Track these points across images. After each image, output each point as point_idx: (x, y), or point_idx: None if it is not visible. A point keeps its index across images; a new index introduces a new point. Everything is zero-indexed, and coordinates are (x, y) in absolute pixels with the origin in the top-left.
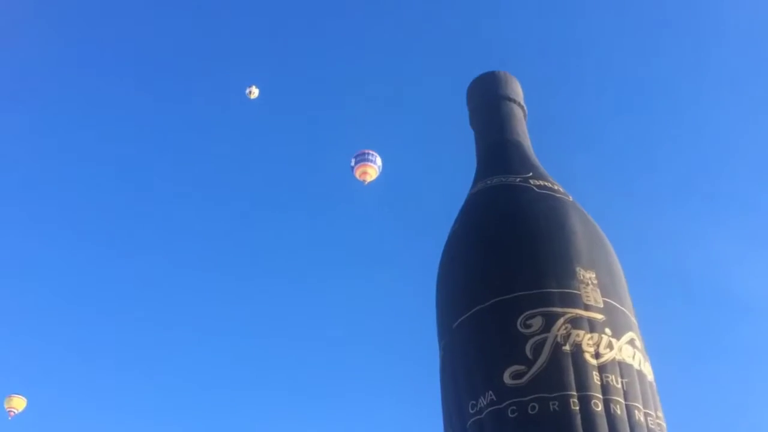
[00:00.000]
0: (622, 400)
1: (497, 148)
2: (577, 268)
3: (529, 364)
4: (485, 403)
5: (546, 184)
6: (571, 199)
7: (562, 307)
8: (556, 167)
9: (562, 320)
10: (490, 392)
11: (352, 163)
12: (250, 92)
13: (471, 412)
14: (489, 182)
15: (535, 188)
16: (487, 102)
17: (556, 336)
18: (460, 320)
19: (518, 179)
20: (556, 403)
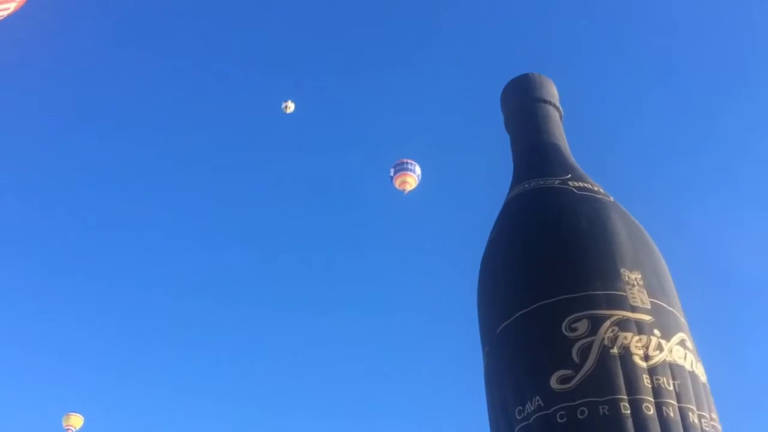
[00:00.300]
0: (674, 403)
1: (534, 151)
2: (622, 270)
3: (577, 368)
4: (532, 408)
5: (585, 185)
6: (612, 199)
7: (607, 309)
8: (595, 168)
9: (608, 323)
10: (537, 398)
11: (392, 173)
12: (286, 107)
13: (518, 418)
14: (527, 186)
15: (574, 190)
16: (522, 105)
17: (603, 339)
18: (503, 326)
19: (557, 181)
20: (606, 407)
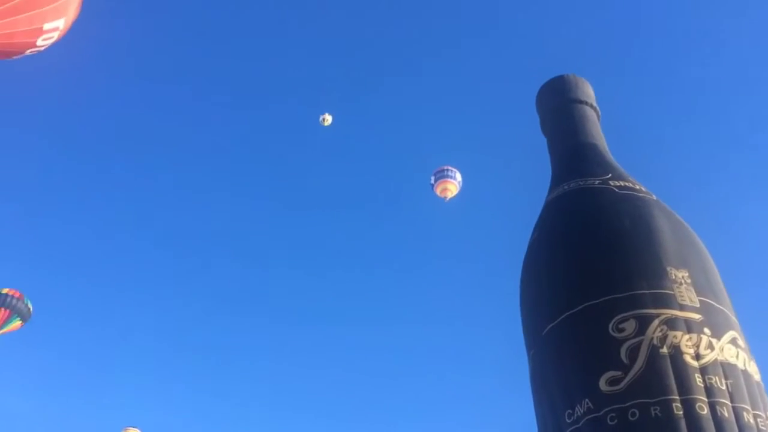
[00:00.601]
0: (728, 402)
1: (572, 152)
2: (668, 268)
3: (626, 369)
4: (582, 411)
5: (627, 184)
6: (654, 197)
7: (655, 308)
8: (634, 166)
9: (656, 322)
10: (587, 400)
11: (432, 181)
12: (323, 119)
13: (568, 421)
14: (566, 187)
15: (615, 189)
16: (558, 107)
17: (652, 338)
18: (548, 327)
19: (597, 181)
20: (658, 408)
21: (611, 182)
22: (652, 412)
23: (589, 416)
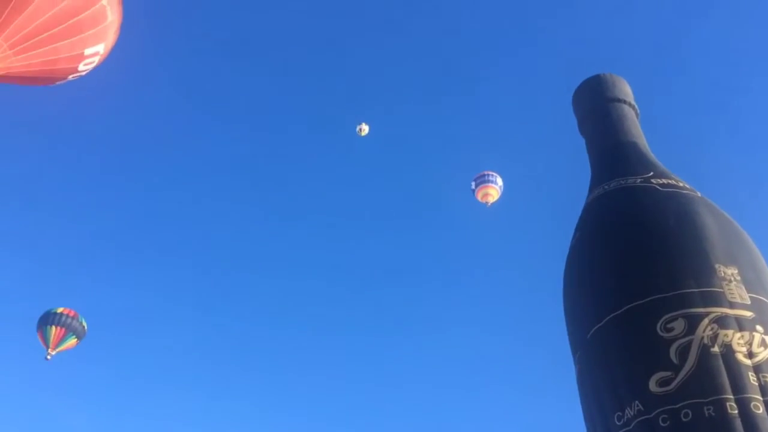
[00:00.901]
0: None
1: (612, 151)
2: (716, 265)
3: (676, 369)
4: (632, 414)
5: (670, 181)
6: (699, 194)
7: (704, 307)
8: (677, 165)
9: (706, 321)
10: (637, 402)
11: (473, 186)
12: (360, 130)
13: (618, 424)
14: (607, 187)
15: (658, 187)
16: (596, 107)
17: (702, 337)
18: (594, 330)
19: (639, 180)
20: (711, 408)
21: (653, 180)
22: (706, 413)
23: (640, 418)
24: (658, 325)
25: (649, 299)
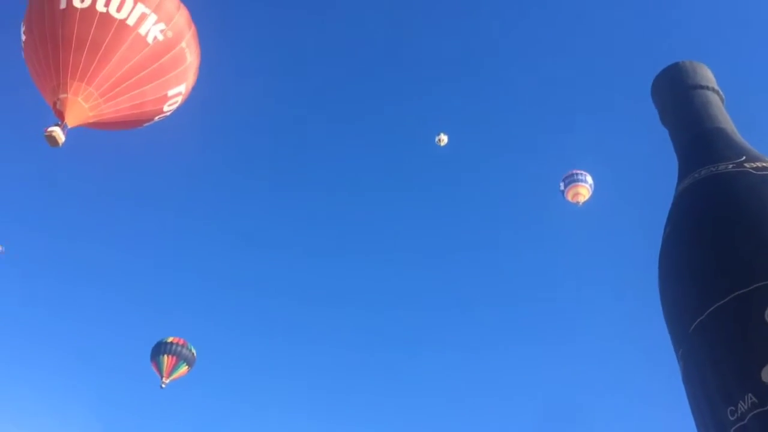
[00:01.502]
0: None
1: (698, 139)
2: None
3: None
4: (746, 407)
5: (765, 165)
6: None
7: None
8: None
9: None
10: (750, 395)
11: (562, 187)
12: (439, 140)
13: (731, 419)
14: (697, 176)
15: (752, 171)
16: (677, 95)
17: None
18: (696, 323)
19: (731, 165)
20: None
21: (746, 164)
22: None
23: (755, 411)
24: (766, 313)
25: (753, 287)
